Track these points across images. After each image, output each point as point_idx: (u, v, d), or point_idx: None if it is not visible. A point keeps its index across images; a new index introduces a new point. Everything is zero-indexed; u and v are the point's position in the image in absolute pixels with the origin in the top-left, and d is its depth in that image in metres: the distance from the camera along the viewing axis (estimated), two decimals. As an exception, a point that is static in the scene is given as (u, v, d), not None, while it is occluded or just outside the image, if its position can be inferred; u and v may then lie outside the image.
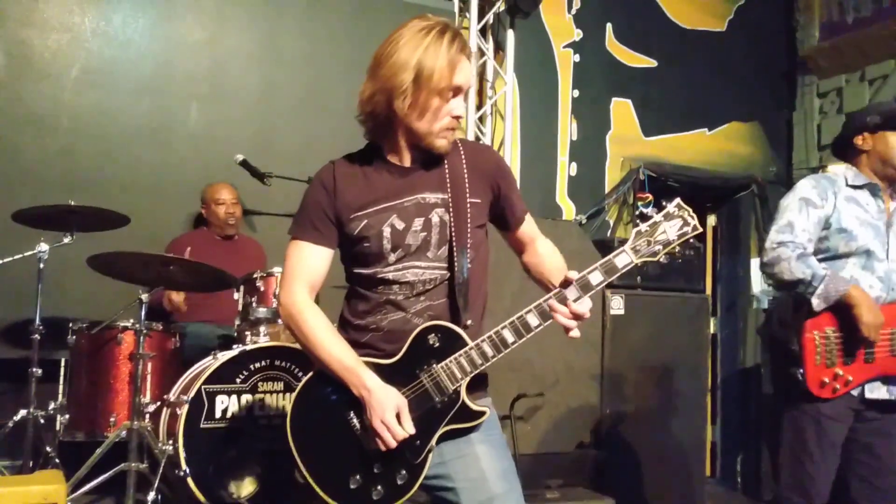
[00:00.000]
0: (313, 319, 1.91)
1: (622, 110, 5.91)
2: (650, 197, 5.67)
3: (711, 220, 6.41)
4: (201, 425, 3.17)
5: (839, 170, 2.88)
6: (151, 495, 3.16)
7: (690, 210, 1.91)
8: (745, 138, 6.34)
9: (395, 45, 1.86)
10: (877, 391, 2.68)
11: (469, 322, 1.90)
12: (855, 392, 2.66)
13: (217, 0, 4.78)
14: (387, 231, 1.89)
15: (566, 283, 1.88)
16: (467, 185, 1.92)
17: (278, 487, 3.25)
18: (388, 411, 1.80)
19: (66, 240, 3.59)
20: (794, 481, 2.68)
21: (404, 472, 1.84)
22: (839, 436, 2.67)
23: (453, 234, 1.89)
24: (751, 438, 5.72)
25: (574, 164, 5.75)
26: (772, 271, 2.73)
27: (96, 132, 4.43)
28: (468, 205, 1.91)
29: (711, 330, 5.34)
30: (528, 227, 2.10)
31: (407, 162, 1.94)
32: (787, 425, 2.73)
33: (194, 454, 3.12)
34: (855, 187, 2.80)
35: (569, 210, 5.69)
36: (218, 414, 3.21)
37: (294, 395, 1.91)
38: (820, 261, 2.73)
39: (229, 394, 3.23)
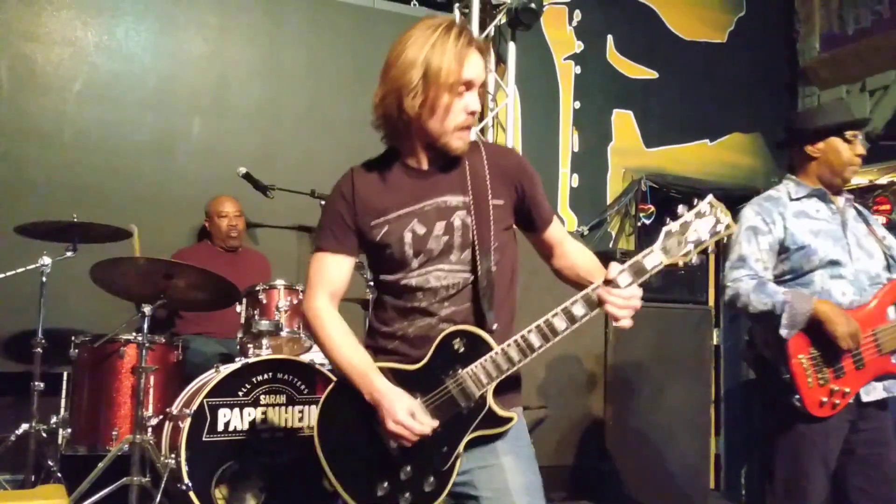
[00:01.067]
0: (330, 325, 1.92)
1: (623, 121, 5.93)
2: (652, 208, 5.68)
3: (714, 231, 6.40)
4: (204, 438, 3.16)
5: (781, 187, 2.83)
6: (153, 509, 3.16)
7: (723, 206, 1.78)
8: (746, 149, 6.35)
9: (403, 45, 1.84)
10: (873, 392, 2.65)
11: (495, 326, 1.85)
12: (852, 400, 2.62)
13: (219, 14, 4.80)
14: (408, 237, 1.87)
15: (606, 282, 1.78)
16: (489, 186, 1.88)
17: (281, 501, 3.23)
18: (400, 412, 1.77)
19: (69, 253, 3.59)
20: (791, 500, 2.65)
21: (432, 478, 1.82)
22: (834, 453, 2.64)
23: (475, 236, 1.85)
24: (755, 451, 5.69)
25: (576, 176, 5.76)
26: (736, 308, 2.71)
27: (99, 146, 4.44)
28: (491, 207, 1.87)
29: (714, 341, 5.32)
30: (557, 229, 2.04)
31: (425, 165, 1.91)
32: (782, 446, 2.68)
33: (197, 468, 3.11)
34: (801, 199, 2.76)
35: (570, 221, 5.69)
36: (220, 427, 3.20)
37: (321, 401, 1.91)
38: (787, 281, 2.70)
39: (232, 407, 3.22)
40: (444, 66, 1.77)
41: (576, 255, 2.02)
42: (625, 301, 1.76)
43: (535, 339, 1.79)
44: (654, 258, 1.76)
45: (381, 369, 1.85)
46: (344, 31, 5.07)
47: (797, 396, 2.57)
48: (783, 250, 2.72)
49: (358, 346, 1.91)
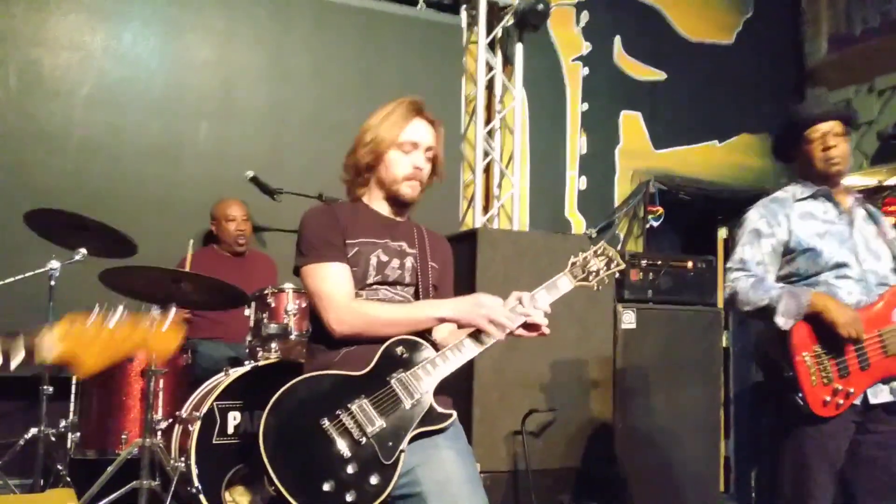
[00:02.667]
0: (371, 306, 2.11)
1: (631, 123, 5.92)
2: (661, 210, 5.66)
3: (723, 232, 6.38)
4: (213, 441, 3.16)
5: (788, 188, 2.81)
6: (163, 513, 3.15)
7: (614, 251, 2.26)
8: (755, 150, 6.33)
9: (367, 120, 2.27)
10: (881, 395, 2.62)
11: (433, 339, 2.15)
12: (857, 401, 2.60)
13: (225, 18, 4.80)
14: (374, 260, 2.15)
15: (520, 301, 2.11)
16: (429, 252, 2.27)
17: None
18: (485, 308, 2.04)
19: (78, 256, 3.59)
20: (797, 502, 2.62)
21: (376, 474, 1.92)
22: (840, 454, 2.61)
23: (419, 278, 2.21)
24: (765, 453, 5.67)
25: (584, 178, 5.75)
26: (735, 307, 2.70)
27: (107, 150, 4.45)
28: (429, 265, 2.25)
29: (724, 344, 5.30)
30: None
31: (386, 213, 2.26)
32: (789, 447, 2.66)
33: (207, 471, 3.11)
34: (806, 199, 2.74)
35: (578, 224, 5.68)
36: (230, 430, 3.19)
37: (268, 406, 1.95)
38: (794, 283, 2.68)
39: (241, 410, 3.21)
40: (389, 128, 2.20)
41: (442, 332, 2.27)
42: (543, 314, 2.11)
43: (468, 344, 2.07)
44: (564, 281, 2.17)
45: (327, 375, 2.01)
46: (350, 34, 5.07)
47: (800, 395, 2.54)
48: (788, 252, 2.71)
49: (403, 305, 2.15)
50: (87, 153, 4.41)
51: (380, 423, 1.94)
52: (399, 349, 2.04)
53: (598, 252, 2.23)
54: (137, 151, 4.51)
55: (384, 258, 2.17)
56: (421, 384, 2.01)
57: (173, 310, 3.41)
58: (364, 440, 1.92)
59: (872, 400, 2.61)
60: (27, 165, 4.29)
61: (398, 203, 2.25)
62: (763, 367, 2.81)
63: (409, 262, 2.21)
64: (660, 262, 4.55)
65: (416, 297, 2.20)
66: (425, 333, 2.13)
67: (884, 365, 2.59)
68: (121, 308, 1.52)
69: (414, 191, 2.23)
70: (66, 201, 4.20)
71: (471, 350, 2.06)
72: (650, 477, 4.23)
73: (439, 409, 2.02)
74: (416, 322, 2.09)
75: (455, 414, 2.05)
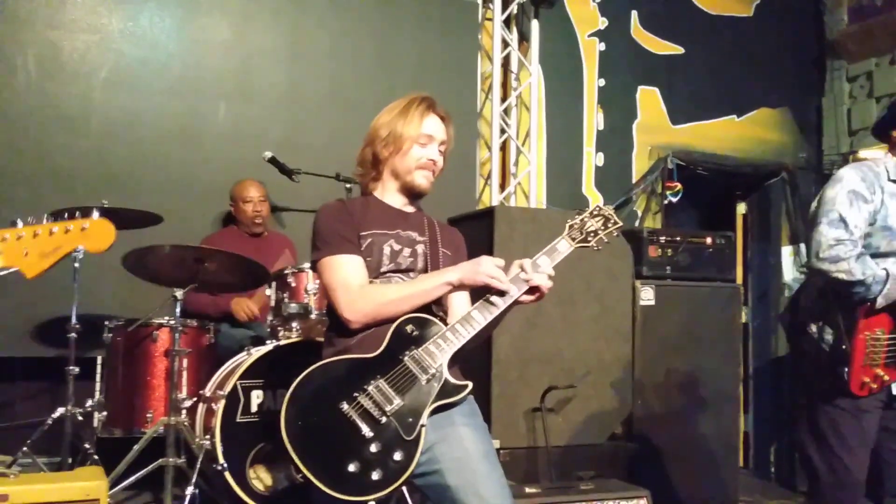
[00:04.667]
0: (380, 288, 2.16)
1: (649, 98, 5.87)
2: (679, 186, 5.63)
3: (742, 207, 6.34)
4: (237, 420, 3.20)
5: (880, 160, 2.73)
6: (190, 490, 3.20)
7: (611, 210, 2.28)
8: (774, 124, 6.26)
9: (378, 116, 2.34)
10: None
11: (441, 313, 2.19)
12: (882, 390, 2.61)
13: (242, -1, 4.81)
14: (386, 249, 2.22)
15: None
16: (440, 240, 2.33)
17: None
18: (484, 266, 2.10)
19: (101, 238, 3.62)
20: (835, 478, 2.62)
21: (400, 451, 1.96)
22: (874, 427, 2.62)
23: (429, 265, 2.26)
24: (784, 428, 5.67)
25: (601, 154, 5.72)
26: (830, 270, 2.55)
27: (126, 132, 4.48)
28: (441, 252, 2.31)
29: (743, 319, 5.29)
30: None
31: (398, 205, 2.32)
32: (824, 420, 2.65)
33: (231, 449, 3.15)
34: None
35: (596, 200, 5.66)
36: (254, 408, 3.23)
37: (286, 397, 1.97)
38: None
39: (264, 388, 3.25)
40: (407, 122, 2.27)
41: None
42: (546, 276, 2.13)
43: (476, 314, 2.09)
44: (563, 244, 2.19)
45: (341, 361, 2.05)
46: (367, 13, 5.05)
47: (847, 369, 2.54)
48: (871, 223, 2.63)
49: (409, 281, 2.19)
50: (106, 136, 4.44)
51: (398, 401, 1.98)
52: (409, 327, 2.08)
53: (594, 213, 2.26)
54: (157, 133, 4.53)
55: (396, 247, 2.23)
56: (434, 359, 2.04)
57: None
58: (384, 419, 1.96)
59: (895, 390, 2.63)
60: (48, 149, 4.33)
61: (411, 194, 2.32)
62: (795, 336, 2.78)
63: (420, 249, 2.27)
64: (678, 239, 4.53)
65: None
66: (434, 310, 2.16)
67: None
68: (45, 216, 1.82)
69: (428, 181, 2.31)
70: (87, 184, 4.28)
71: (479, 320, 2.08)
72: (669, 452, 4.25)
73: (455, 382, 2.06)
74: (425, 293, 2.12)
75: (471, 384, 2.09)
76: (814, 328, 2.68)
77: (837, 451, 2.61)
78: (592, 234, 2.23)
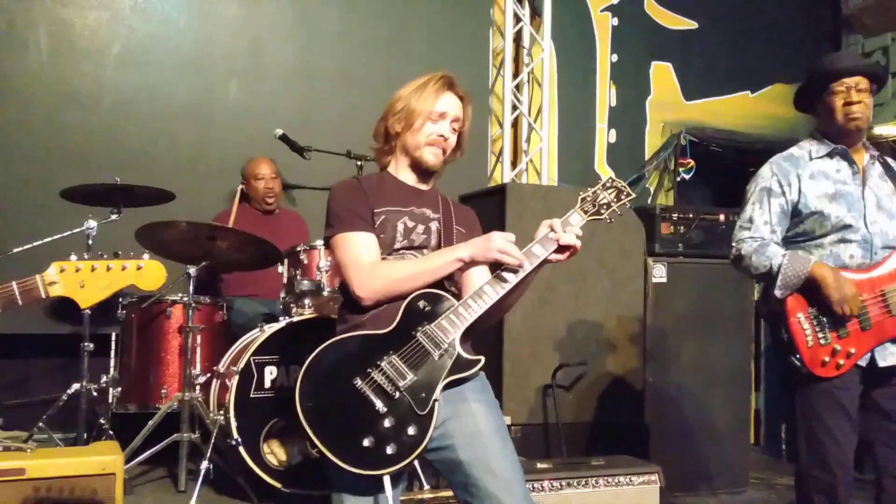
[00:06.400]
0: (390, 265, 2.16)
1: (662, 74, 5.82)
2: (692, 163, 5.59)
3: (754, 185, 6.29)
4: (251, 395, 3.22)
5: (805, 144, 2.77)
6: (204, 464, 3.24)
7: (624, 183, 2.23)
8: (788, 100, 6.04)
9: (397, 92, 2.31)
10: (890, 357, 2.59)
11: (453, 289, 2.19)
12: (863, 362, 2.57)
13: (252, -26, 4.78)
14: (400, 227, 2.20)
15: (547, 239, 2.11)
16: (454, 217, 2.32)
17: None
18: (495, 241, 2.08)
19: (114, 216, 3.65)
20: (815, 458, 2.60)
21: (413, 425, 1.96)
22: (852, 404, 2.59)
23: (443, 241, 2.25)
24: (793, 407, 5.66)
25: (613, 131, 5.69)
26: (738, 266, 2.71)
27: (138, 109, 4.49)
28: (454, 229, 2.30)
29: (755, 297, 5.26)
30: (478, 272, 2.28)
31: (411, 182, 2.31)
32: (799, 402, 2.64)
33: (245, 424, 3.18)
34: (822, 158, 2.70)
35: (608, 178, 5.62)
36: (267, 384, 3.26)
37: (300, 374, 1.98)
38: (800, 243, 2.67)
39: (278, 364, 3.27)
40: (422, 99, 2.25)
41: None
42: (575, 235, 2.11)
43: (488, 289, 2.08)
44: (576, 217, 2.15)
45: (353, 337, 2.06)
46: (377, -12, 5.03)
47: (797, 356, 2.54)
48: (796, 213, 2.68)
49: (420, 259, 2.17)
50: (118, 113, 4.45)
51: (411, 376, 1.98)
52: (421, 303, 2.07)
53: (607, 185, 2.22)
54: (169, 111, 4.54)
55: (410, 224, 2.22)
56: (447, 334, 2.04)
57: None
58: (398, 394, 1.96)
59: (882, 363, 2.59)
60: (61, 126, 4.34)
61: (421, 171, 2.30)
62: (768, 321, 2.81)
63: (433, 226, 2.26)
64: (691, 216, 4.50)
65: None
66: (447, 285, 2.16)
67: (887, 325, 2.56)
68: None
69: (437, 158, 2.28)
70: (100, 161, 4.29)
71: (491, 295, 2.07)
72: (680, 430, 4.25)
73: (467, 356, 2.06)
74: (436, 269, 2.11)
75: (483, 359, 2.09)
76: (774, 315, 2.68)
77: (817, 431, 2.59)
78: (605, 207, 2.19)
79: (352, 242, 2.16)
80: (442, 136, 2.26)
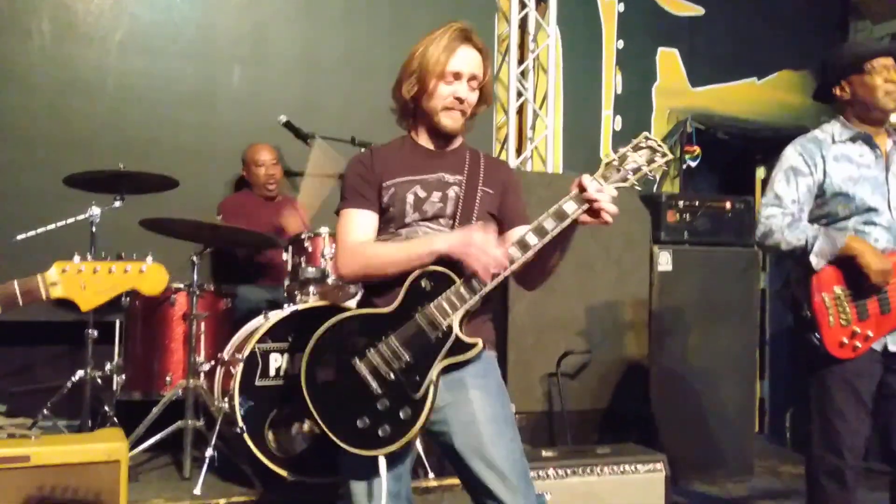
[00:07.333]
0: (372, 246, 2.11)
1: (668, 61, 5.78)
2: (698, 150, 5.56)
3: (761, 172, 6.26)
4: (256, 383, 3.22)
5: (827, 127, 2.77)
6: (209, 452, 3.23)
7: (659, 140, 1.99)
8: (796, 87, 6.16)
9: (415, 46, 2.17)
10: None
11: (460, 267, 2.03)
12: (877, 346, 2.60)
13: (256, -40, 4.75)
14: (410, 198, 2.12)
15: (581, 188, 1.94)
16: (482, 176, 2.18)
17: (330, 443, 3.28)
18: (473, 243, 1.94)
19: (117, 203, 3.64)
20: (826, 441, 2.64)
21: (407, 407, 1.95)
22: (869, 391, 2.62)
23: (461, 207, 2.13)
24: (800, 394, 5.65)
25: (619, 118, 5.66)
26: (767, 244, 2.70)
27: (141, 96, 4.46)
28: (479, 191, 2.16)
29: (761, 285, 5.25)
30: (518, 232, 2.10)
31: (431, 146, 2.20)
32: (815, 386, 2.68)
33: (250, 411, 3.17)
34: (845, 142, 2.71)
35: (613, 165, 5.59)
36: (272, 372, 3.25)
37: (306, 350, 2.02)
38: (823, 226, 2.67)
39: (282, 352, 3.26)
40: (433, 57, 2.10)
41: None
42: (606, 195, 1.92)
43: None
44: (593, 184, 1.94)
45: (357, 315, 2.06)
46: (382, -26, 4.99)
47: (817, 335, 2.57)
48: (820, 194, 2.69)
49: (401, 244, 2.08)
50: (122, 99, 4.43)
51: (406, 358, 1.96)
52: (423, 281, 2.01)
53: (640, 145, 1.98)
54: (172, 97, 4.52)
55: (422, 194, 2.13)
56: (445, 315, 1.97)
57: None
58: (392, 376, 1.96)
59: (892, 347, 2.61)
60: (64, 113, 4.32)
61: (441, 135, 2.19)
62: (791, 307, 2.82)
63: (452, 192, 2.14)
64: (697, 203, 4.49)
65: (456, 225, 2.13)
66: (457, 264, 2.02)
67: None
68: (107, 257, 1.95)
69: (455, 122, 2.16)
70: (103, 148, 4.27)
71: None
72: (685, 418, 4.25)
73: (465, 340, 1.98)
74: (412, 259, 2.02)
75: (480, 342, 1.99)
76: (795, 298, 2.70)
77: (829, 415, 2.63)
78: (633, 171, 1.96)
79: (346, 219, 2.14)
80: (459, 98, 2.13)
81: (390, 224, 2.14)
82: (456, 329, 1.98)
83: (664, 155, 1.97)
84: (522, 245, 1.97)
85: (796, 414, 5.68)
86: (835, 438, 2.61)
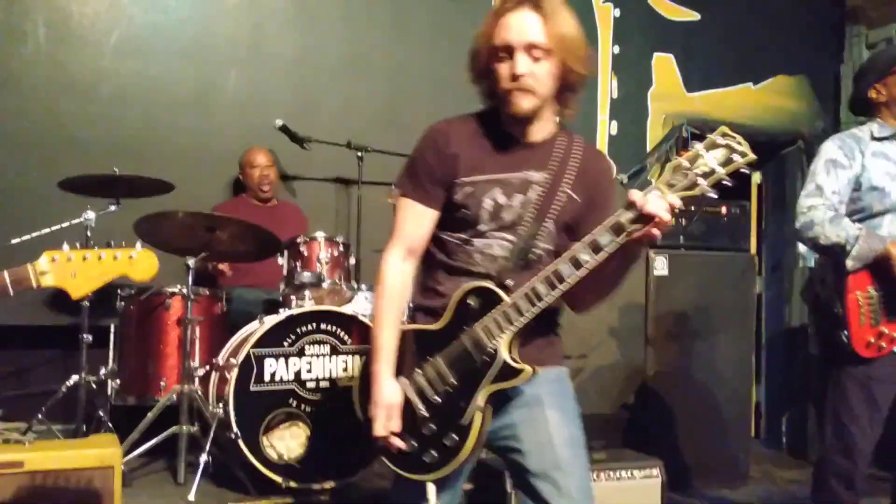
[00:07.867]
0: (388, 287, 1.92)
1: (664, 66, 5.78)
2: (694, 154, 5.55)
3: (757, 177, 6.26)
4: (251, 388, 3.21)
5: (865, 127, 2.82)
6: (203, 457, 3.22)
7: (740, 137, 1.68)
8: (791, 92, 6.16)
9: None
10: None
11: (509, 282, 1.84)
12: None
13: (253, -37, 4.74)
14: (488, 203, 1.88)
15: (630, 205, 1.68)
16: (571, 174, 1.89)
17: (325, 449, 3.28)
18: (378, 409, 1.86)
19: (112, 208, 3.63)
20: (839, 443, 2.66)
21: (453, 434, 1.83)
22: (886, 397, 2.64)
23: (534, 218, 1.88)
24: (796, 399, 5.66)
25: (615, 123, 5.65)
26: (807, 236, 2.70)
27: (137, 99, 4.45)
28: (564, 195, 1.88)
29: (757, 289, 5.25)
30: None
31: (515, 133, 1.92)
32: (833, 387, 2.69)
33: (245, 417, 3.16)
34: (882, 139, 2.76)
35: (609, 169, 5.59)
36: (267, 377, 3.24)
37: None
38: (855, 221, 2.69)
39: (277, 357, 3.25)
40: (482, 37, 1.86)
41: None
42: (666, 205, 1.66)
43: (541, 288, 1.76)
44: (654, 195, 1.67)
45: (410, 331, 1.92)
46: (379, -23, 4.98)
47: (846, 332, 2.58)
48: (857, 188, 2.72)
49: (393, 324, 1.91)
50: (117, 102, 4.41)
51: (451, 380, 1.83)
52: (471, 300, 1.84)
53: (717, 142, 1.66)
54: (168, 100, 4.50)
55: (501, 199, 1.87)
56: (491, 338, 1.80)
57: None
58: (438, 400, 1.85)
59: None
60: (59, 116, 4.30)
61: (519, 119, 1.88)
62: (811, 305, 2.83)
63: (533, 195, 1.87)
64: (692, 208, 4.48)
65: (528, 240, 1.88)
66: (503, 279, 1.85)
67: None
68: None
69: (526, 102, 1.82)
70: (99, 152, 4.26)
71: (544, 294, 1.76)
72: (682, 423, 4.25)
73: (513, 365, 1.79)
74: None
75: (528, 369, 1.79)
76: (821, 297, 2.72)
77: (844, 418, 2.65)
78: (704, 176, 1.66)
79: (404, 210, 1.95)
80: (518, 74, 1.79)
81: (465, 228, 1.91)
82: (503, 353, 1.79)
83: (744, 155, 1.66)
84: (533, 296, 1.78)
85: (793, 419, 5.68)
86: (849, 442, 2.63)
